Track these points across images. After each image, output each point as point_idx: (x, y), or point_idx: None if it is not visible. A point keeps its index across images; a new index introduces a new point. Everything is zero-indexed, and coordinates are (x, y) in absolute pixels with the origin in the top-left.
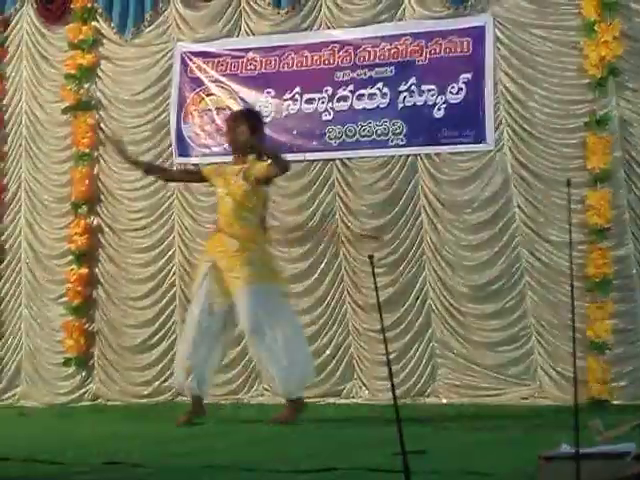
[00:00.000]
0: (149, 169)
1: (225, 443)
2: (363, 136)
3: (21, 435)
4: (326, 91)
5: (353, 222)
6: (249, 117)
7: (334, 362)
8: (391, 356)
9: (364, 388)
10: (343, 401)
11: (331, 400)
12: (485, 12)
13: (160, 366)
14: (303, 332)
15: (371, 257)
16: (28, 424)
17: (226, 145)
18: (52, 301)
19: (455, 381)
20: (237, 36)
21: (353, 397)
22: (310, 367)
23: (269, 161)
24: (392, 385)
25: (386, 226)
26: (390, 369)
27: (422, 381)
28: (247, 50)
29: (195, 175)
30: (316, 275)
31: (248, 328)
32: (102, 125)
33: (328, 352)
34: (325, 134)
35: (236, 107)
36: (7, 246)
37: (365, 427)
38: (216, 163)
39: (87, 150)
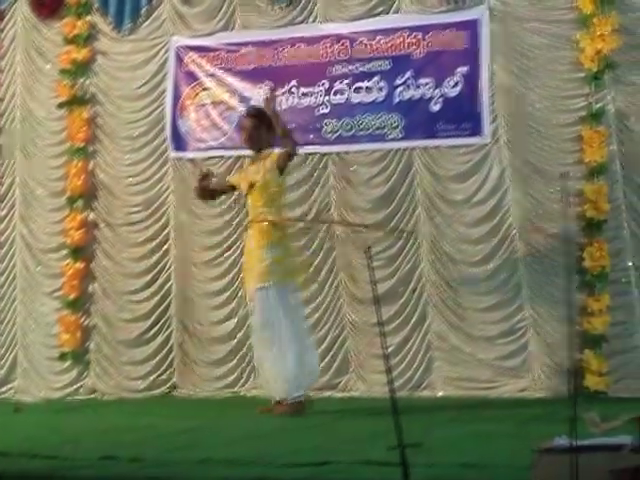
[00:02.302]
0: (213, 195)
1: (221, 437)
2: (360, 130)
3: (17, 430)
4: (322, 85)
5: (351, 216)
6: (264, 117)
7: (330, 355)
8: (388, 349)
9: (360, 381)
10: (339, 394)
11: (327, 393)
12: (481, 5)
13: (156, 360)
14: (310, 334)
15: (368, 249)
16: (24, 418)
17: (222, 139)
18: (47, 295)
19: (451, 374)
20: (232, 30)
21: (350, 390)
22: (314, 370)
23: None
24: (390, 380)
25: (384, 220)
26: (388, 362)
27: (418, 374)
28: (243, 44)
29: (230, 188)
30: (311, 269)
31: (257, 327)
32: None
33: (324, 345)
34: (322, 128)
35: (232, 101)
36: (1, 240)
37: (361, 420)
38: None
39: (82, 145)
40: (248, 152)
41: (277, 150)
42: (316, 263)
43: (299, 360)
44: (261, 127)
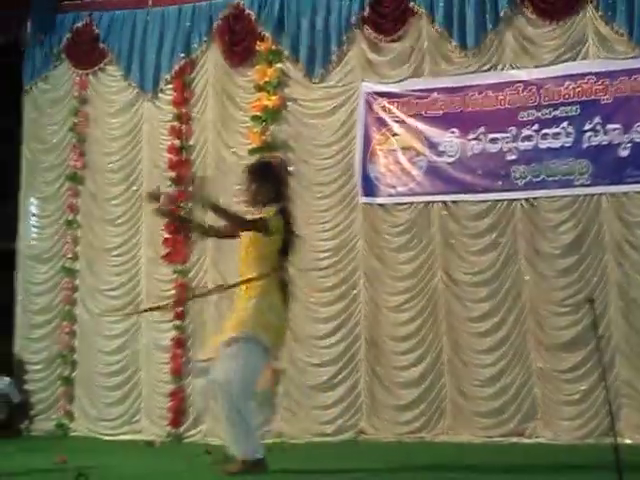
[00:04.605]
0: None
1: None
2: (548, 175)
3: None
4: (510, 131)
5: (539, 263)
6: (254, 174)
7: (517, 402)
8: (576, 396)
9: (547, 428)
10: (526, 441)
11: (514, 440)
12: None
13: (344, 404)
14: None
15: (592, 301)
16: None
17: (412, 185)
18: None
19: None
20: (422, 76)
21: (536, 437)
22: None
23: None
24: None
25: (572, 267)
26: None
27: (606, 421)
28: (432, 90)
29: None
30: (500, 315)
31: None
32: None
33: (512, 392)
34: (510, 174)
35: (421, 147)
36: (193, 285)
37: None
38: None
39: None
40: (438, 198)
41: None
42: (503, 311)
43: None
44: (251, 185)
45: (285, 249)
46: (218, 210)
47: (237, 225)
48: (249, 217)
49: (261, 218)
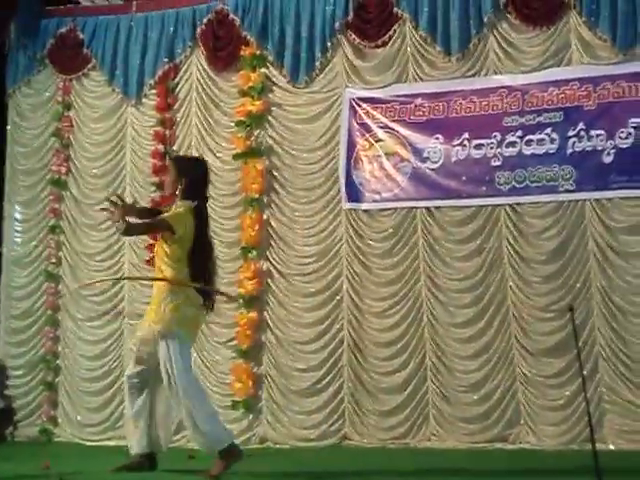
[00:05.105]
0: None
1: None
2: (532, 181)
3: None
4: (495, 137)
5: (524, 269)
6: (174, 165)
7: (501, 407)
8: (560, 401)
9: (531, 434)
10: (510, 447)
11: (499, 445)
12: None
13: (328, 410)
14: None
15: (572, 309)
16: (197, 464)
17: (396, 190)
18: (222, 344)
19: (623, 427)
20: (405, 82)
21: (520, 443)
22: None
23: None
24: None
25: (556, 273)
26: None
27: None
28: (416, 96)
29: None
30: (484, 321)
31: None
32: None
33: (496, 397)
34: (494, 180)
35: (405, 153)
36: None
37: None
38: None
39: (257, 195)
40: (423, 204)
41: (173, 208)
42: (487, 317)
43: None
44: (171, 173)
45: (196, 250)
46: (136, 228)
47: (154, 232)
48: (157, 219)
49: (163, 219)
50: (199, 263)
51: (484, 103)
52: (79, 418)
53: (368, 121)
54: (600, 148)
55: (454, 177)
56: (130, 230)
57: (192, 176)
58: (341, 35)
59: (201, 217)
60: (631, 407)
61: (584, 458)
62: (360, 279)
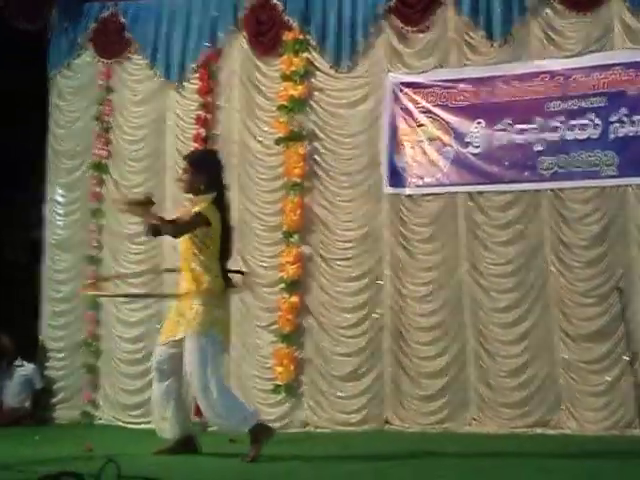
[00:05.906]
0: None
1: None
2: (575, 167)
3: (231, 463)
4: (537, 122)
5: (566, 254)
6: (192, 161)
7: (542, 392)
8: (601, 387)
9: (572, 419)
10: (551, 432)
11: (539, 430)
12: None
13: (369, 394)
14: None
15: (620, 289)
16: (239, 449)
17: (438, 175)
18: (263, 328)
19: None
20: (448, 67)
21: (561, 428)
22: None
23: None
24: None
25: (598, 258)
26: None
27: (631, 412)
28: (458, 81)
29: None
30: (526, 306)
31: None
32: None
33: (537, 382)
34: (536, 165)
35: (447, 138)
36: None
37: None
38: None
39: (298, 180)
40: (465, 189)
41: (196, 207)
42: (529, 302)
43: None
44: (189, 171)
45: (224, 238)
46: (181, 228)
47: (183, 232)
48: (186, 218)
49: (197, 214)
50: (226, 249)
51: (526, 88)
52: (119, 401)
53: (410, 106)
54: None
55: (496, 162)
56: (175, 231)
57: (209, 170)
58: (384, 20)
59: (222, 206)
60: None
61: (625, 444)
62: (402, 264)
